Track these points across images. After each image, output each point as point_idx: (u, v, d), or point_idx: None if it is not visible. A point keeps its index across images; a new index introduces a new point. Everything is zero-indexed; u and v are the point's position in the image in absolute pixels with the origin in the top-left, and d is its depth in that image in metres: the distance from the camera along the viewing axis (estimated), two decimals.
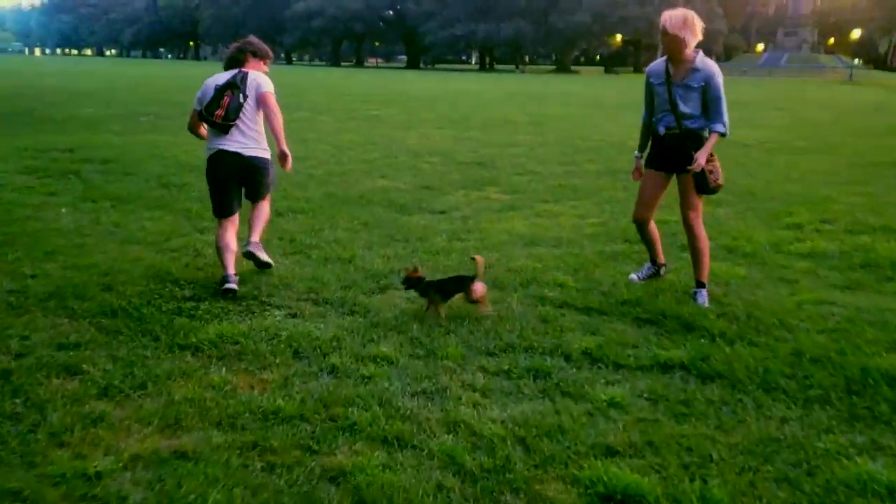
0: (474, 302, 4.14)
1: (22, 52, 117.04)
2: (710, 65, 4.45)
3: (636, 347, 3.76)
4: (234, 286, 4.44)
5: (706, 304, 4.48)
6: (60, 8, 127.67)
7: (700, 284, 4.64)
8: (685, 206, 4.64)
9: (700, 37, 4.42)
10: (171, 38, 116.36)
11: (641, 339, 3.88)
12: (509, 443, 2.74)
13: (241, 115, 4.66)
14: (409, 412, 2.95)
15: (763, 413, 3.07)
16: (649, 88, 4.70)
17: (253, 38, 5.10)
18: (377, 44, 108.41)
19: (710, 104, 4.44)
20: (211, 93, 4.68)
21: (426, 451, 2.67)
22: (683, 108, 4.49)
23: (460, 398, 3.10)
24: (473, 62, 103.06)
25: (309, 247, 5.72)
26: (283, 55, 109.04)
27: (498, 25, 78.11)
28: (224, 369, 3.33)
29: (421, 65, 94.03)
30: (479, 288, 4.14)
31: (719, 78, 4.42)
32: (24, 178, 8.35)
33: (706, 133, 4.51)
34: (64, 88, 24.52)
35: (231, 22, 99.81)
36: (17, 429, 2.74)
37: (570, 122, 17.44)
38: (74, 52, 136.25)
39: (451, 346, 3.69)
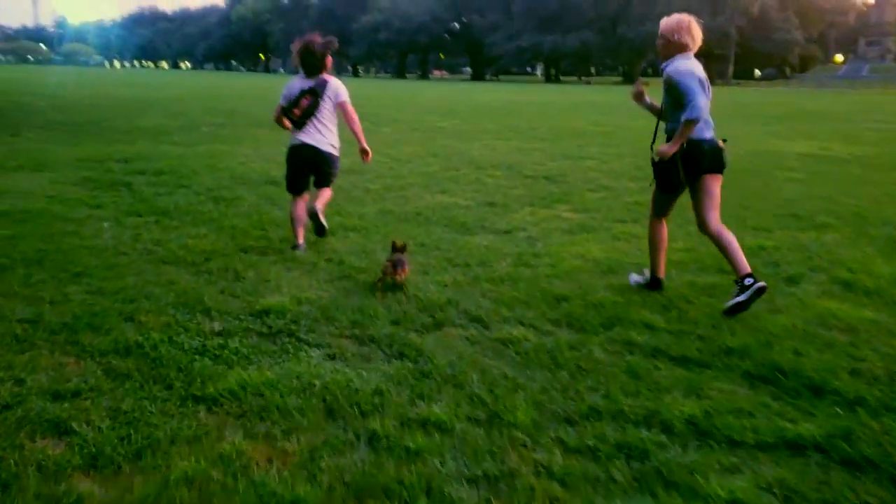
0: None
1: (102, 64, 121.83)
2: (674, 65, 4.41)
3: (752, 416, 3.00)
4: (302, 251, 5.54)
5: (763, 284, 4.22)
6: (139, 22, 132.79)
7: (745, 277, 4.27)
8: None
9: (698, 42, 4.46)
10: (242, 50, 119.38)
11: (758, 406, 3.11)
12: None
13: (316, 115, 5.55)
14: None
15: None
16: None
17: (318, 38, 5.66)
18: (442, 56, 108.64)
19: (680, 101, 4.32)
20: (295, 93, 5.56)
21: None
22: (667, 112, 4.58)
23: (532, 489, 2.40)
24: (538, 74, 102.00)
25: (358, 270, 5.13)
26: (349, 67, 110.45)
27: (564, 36, 77.07)
28: (241, 433, 2.73)
29: (486, 76, 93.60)
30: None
31: (677, 75, 4.33)
32: (76, 189, 8.06)
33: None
34: (133, 98, 24.90)
35: (299, 35, 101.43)
36: None
37: (642, 133, 16.43)
38: (151, 64, 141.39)
39: (519, 407, 3.01)
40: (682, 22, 4.43)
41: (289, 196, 5.97)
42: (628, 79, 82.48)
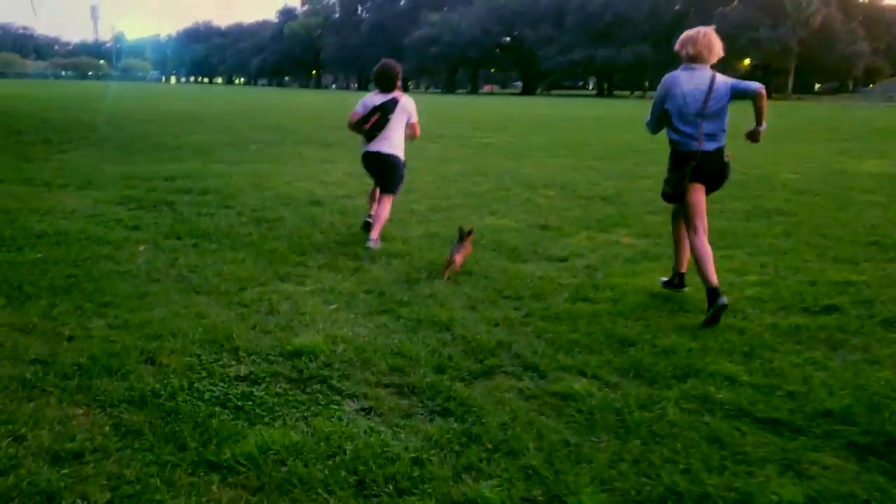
0: None
1: (158, 79, 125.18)
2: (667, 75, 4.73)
3: None
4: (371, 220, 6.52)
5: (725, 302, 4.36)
6: (193, 38, 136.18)
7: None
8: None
9: (708, 53, 4.53)
10: (294, 66, 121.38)
11: (871, 488, 2.58)
12: None
13: (384, 129, 6.34)
14: None
15: None
16: None
17: (392, 66, 6.53)
18: (492, 70, 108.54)
19: None
20: (370, 108, 6.36)
21: None
22: None
23: None
24: (590, 88, 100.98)
25: (400, 303, 4.73)
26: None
27: (618, 50, 76.08)
28: None
29: (537, 91, 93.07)
30: None
31: (659, 88, 4.70)
32: (118, 209, 7.88)
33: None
34: (184, 114, 25.17)
35: (351, 51, 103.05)
36: None
37: None
38: (206, 80, 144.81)
39: (584, 486, 2.54)
40: (689, 35, 4.57)
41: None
42: None
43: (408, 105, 6.45)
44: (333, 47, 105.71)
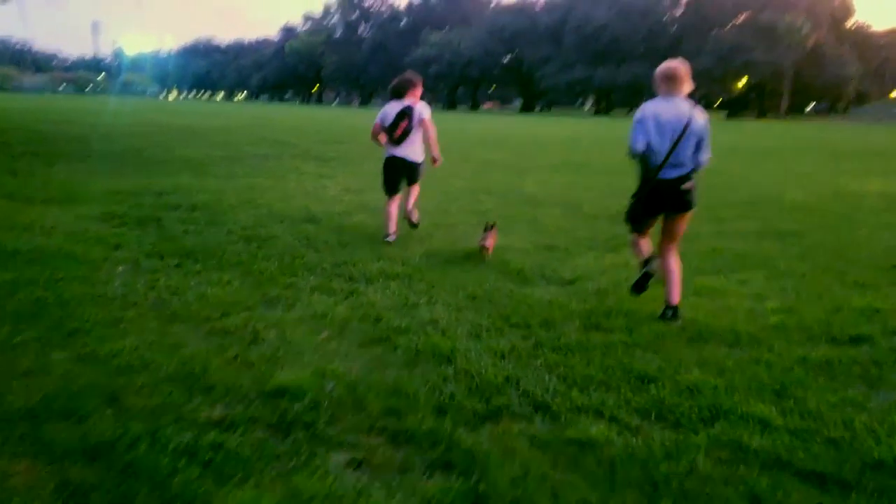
0: None
1: (159, 94, 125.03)
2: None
3: None
4: (391, 239, 7.00)
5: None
6: (195, 53, 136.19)
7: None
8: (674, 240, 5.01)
9: (675, 84, 4.68)
10: (296, 82, 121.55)
11: None
12: None
13: (410, 135, 6.97)
14: None
15: None
16: None
17: (407, 77, 7.20)
18: (492, 88, 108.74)
19: None
20: (391, 118, 6.94)
21: None
22: None
23: None
24: (587, 107, 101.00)
25: (398, 331, 4.35)
26: None
27: (617, 69, 76.20)
28: None
29: (535, 109, 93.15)
30: None
31: (639, 112, 4.80)
32: (101, 225, 7.50)
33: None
34: (180, 128, 24.86)
35: (352, 68, 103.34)
36: None
37: (706, 170, 15.46)
38: (207, 95, 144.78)
39: None
40: (669, 68, 4.69)
41: (384, 197, 7.27)
42: None
43: (423, 108, 7.08)
44: (335, 65, 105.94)
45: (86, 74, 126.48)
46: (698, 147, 4.68)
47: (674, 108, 4.65)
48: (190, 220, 7.88)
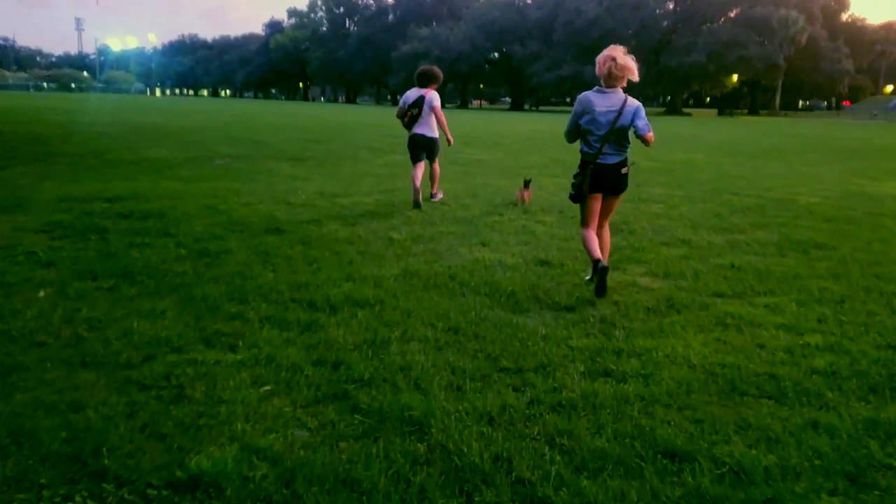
0: None
1: (143, 92, 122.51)
2: None
3: None
4: (419, 204, 8.68)
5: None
6: (179, 50, 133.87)
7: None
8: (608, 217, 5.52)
9: (613, 74, 5.03)
10: (281, 78, 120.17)
11: None
12: None
13: (419, 119, 8.77)
14: None
15: None
16: None
17: (431, 70, 9.01)
18: (481, 86, 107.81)
19: None
20: (409, 102, 8.79)
21: None
22: None
23: None
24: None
25: (360, 382, 3.49)
26: (388, 96, 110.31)
27: None
28: None
29: (525, 106, 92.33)
30: None
31: (577, 105, 5.32)
32: (37, 237, 6.61)
33: None
34: (153, 127, 23.84)
35: (339, 63, 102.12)
36: None
37: (706, 170, 14.69)
38: (191, 92, 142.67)
39: None
40: (606, 61, 5.02)
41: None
42: (671, 109, 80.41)
43: (434, 98, 8.82)
44: (320, 60, 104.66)
45: (69, 72, 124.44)
46: (633, 124, 5.07)
47: (608, 99, 5.08)
48: (139, 231, 6.99)
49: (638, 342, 4.20)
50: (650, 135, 5.08)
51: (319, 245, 6.54)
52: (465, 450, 2.81)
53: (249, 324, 4.37)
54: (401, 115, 8.90)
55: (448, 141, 9.20)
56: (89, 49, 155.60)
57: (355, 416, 3.13)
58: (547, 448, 2.88)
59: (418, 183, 8.74)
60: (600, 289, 5.07)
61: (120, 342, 3.96)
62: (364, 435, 2.95)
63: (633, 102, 5.09)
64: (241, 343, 4.04)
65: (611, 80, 5.02)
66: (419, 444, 2.85)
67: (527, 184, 9.14)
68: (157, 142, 17.52)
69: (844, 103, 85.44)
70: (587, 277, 5.53)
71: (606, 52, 5.05)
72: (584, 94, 5.21)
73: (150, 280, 5.26)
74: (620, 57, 4.96)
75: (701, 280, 5.69)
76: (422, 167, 8.92)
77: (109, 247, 6.32)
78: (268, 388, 3.45)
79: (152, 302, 4.74)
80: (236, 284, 5.20)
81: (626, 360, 3.90)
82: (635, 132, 5.09)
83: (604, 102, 5.07)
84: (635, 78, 5.03)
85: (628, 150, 5.25)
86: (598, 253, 5.22)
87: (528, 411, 3.23)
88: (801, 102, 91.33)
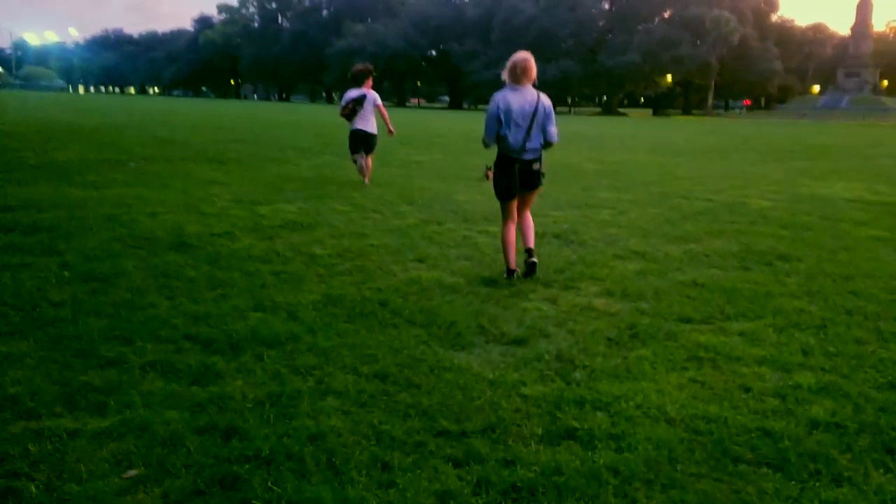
0: None
1: (65, 89, 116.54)
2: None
3: None
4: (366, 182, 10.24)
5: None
6: (103, 45, 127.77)
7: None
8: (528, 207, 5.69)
9: (519, 76, 5.41)
10: (212, 76, 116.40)
11: None
12: None
13: (359, 115, 9.87)
14: None
15: None
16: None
17: (363, 68, 10.20)
18: (419, 84, 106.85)
19: None
20: (349, 101, 9.86)
21: None
22: None
23: None
24: None
25: (253, 465, 2.71)
26: (323, 94, 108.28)
27: (544, 66, 75.59)
28: None
29: (464, 105, 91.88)
30: None
31: (492, 105, 5.45)
32: None
33: None
34: (64, 126, 22.26)
35: (271, 60, 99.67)
36: None
37: (650, 172, 14.27)
38: (117, 89, 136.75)
39: None
40: (516, 62, 5.36)
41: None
42: (607, 109, 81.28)
43: (375, 97, 9.90)
44: (252, 57, 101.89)
45: None
46: (545, 128, 5.36)
47: (523, 97, 5.31)
48: (21, 248, 6.00)
49: (602, 387, 3.50)
50: (556, 142, 5.47)
51: (229, 264, 5.67)
52: None
53: (129, 372, 3.52)
54: (345, 113, 9.87)
55: (389, 131, 10.43)
56: (4, 43, 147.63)
57: None
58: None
59: (364, 169, 10.22)
60: (530, 272, 5.50)
61: None
62: None
63: (546, 99, 5.39)
64: (111, 402, 3.18)
65: (523, 77, 5.31)
66: None
67: (487, 171, 8.63)
68: (68, 142, 16.10)
69: (745, 103, 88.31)
70: (505, 276, 5.49)
71: (514, 56, 5.42)
72: (497, 93, 5.39)
73: (15, 315, 4.32)
74: (528, 58, 5.35)
75: (664, 301, 5.06)
76: (362, 156, 10.15)
77: None
78: (133, 472, 2.61)
79: (10, 344, 3.82)
80: (122, 317, 4.32)
81: (591, 415, 3.20)
82: (545, 137, 5.38)
83: (519, 99, 5.30)
84: (535, 78, 5.40)
85: (542, 147, 5.46)
86: (514, 262, 5.47)
87: (473, 501, 2.49)
88: (734, 101, 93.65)
